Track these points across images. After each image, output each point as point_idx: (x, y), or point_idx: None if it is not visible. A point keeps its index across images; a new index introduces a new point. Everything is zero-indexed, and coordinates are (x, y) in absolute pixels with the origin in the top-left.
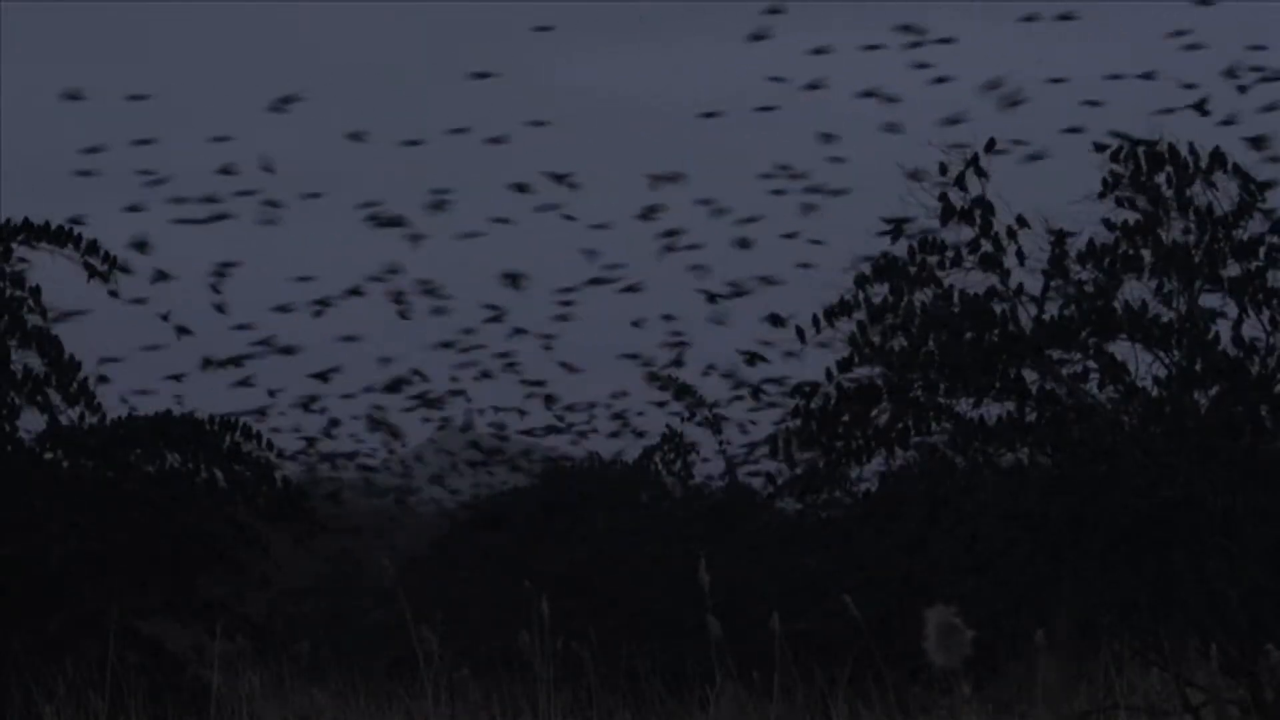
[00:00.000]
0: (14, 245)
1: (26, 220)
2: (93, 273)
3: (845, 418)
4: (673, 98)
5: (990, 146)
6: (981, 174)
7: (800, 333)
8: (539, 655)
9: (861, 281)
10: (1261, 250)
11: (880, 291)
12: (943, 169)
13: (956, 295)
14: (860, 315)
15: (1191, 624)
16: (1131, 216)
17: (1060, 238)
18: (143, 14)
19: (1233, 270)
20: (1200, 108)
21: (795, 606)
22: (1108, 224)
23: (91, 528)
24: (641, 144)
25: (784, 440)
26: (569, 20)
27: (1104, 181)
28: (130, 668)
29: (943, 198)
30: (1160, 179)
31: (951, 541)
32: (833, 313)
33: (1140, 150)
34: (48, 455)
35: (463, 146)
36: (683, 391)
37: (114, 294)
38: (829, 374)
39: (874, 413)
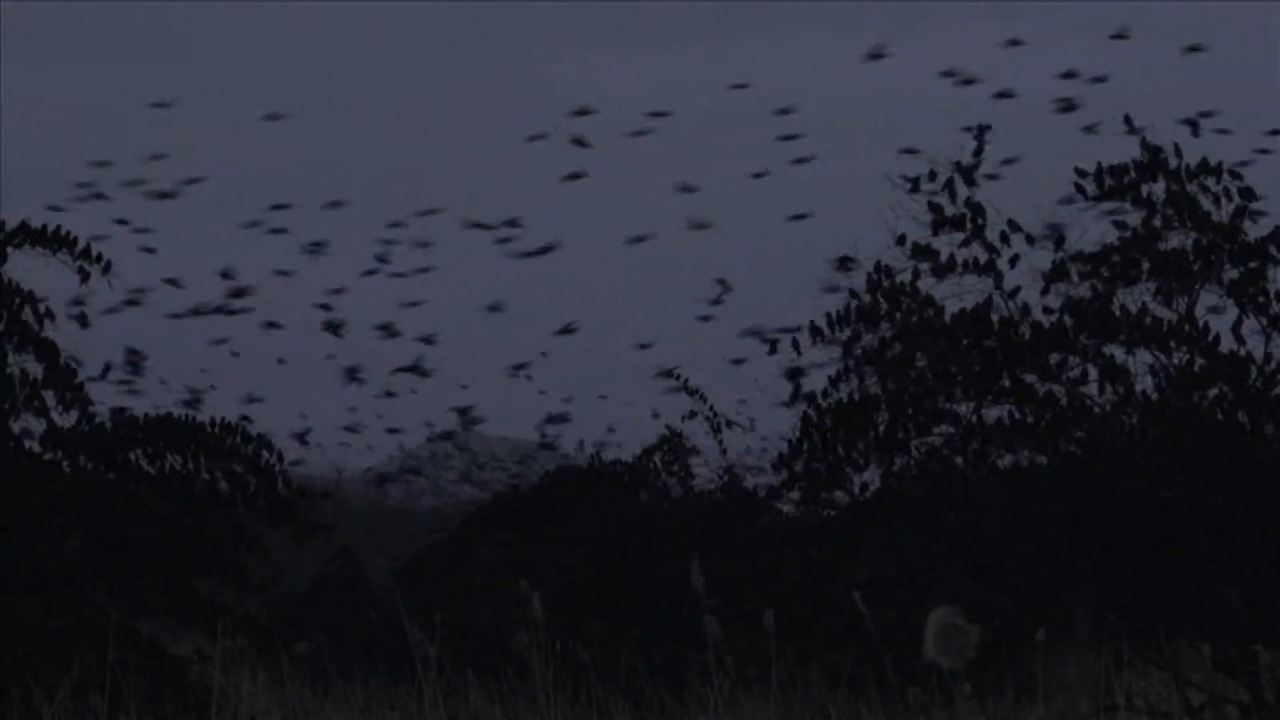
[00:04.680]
0: (10, 249)
1: (24, 224)
2: (85, 277)
3: (848, 423)
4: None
5: (979, 151)
6: (972, 181)
7: (796, 344)
8: (536, 655)
9: (855, 294)
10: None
11: (875, 304)
12: (932, 175)
13: (949, 304)
14: (855, 326)
15: (1192, 625)
16: (1130, 220)
17: (1060, 239)
18: (140, 15)
19: (1232, 274)
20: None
21: (795, 606)
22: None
23: (91, 528)
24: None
25: (787, 457)
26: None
27: (1093, 189)
28: (130, 669)
29: (933, 207)
30: (1156, 188)
31: (951, 543)
32: (831, 323)
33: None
34: (47, 456)
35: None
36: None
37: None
38: (825, 392)
39: (874, 419)
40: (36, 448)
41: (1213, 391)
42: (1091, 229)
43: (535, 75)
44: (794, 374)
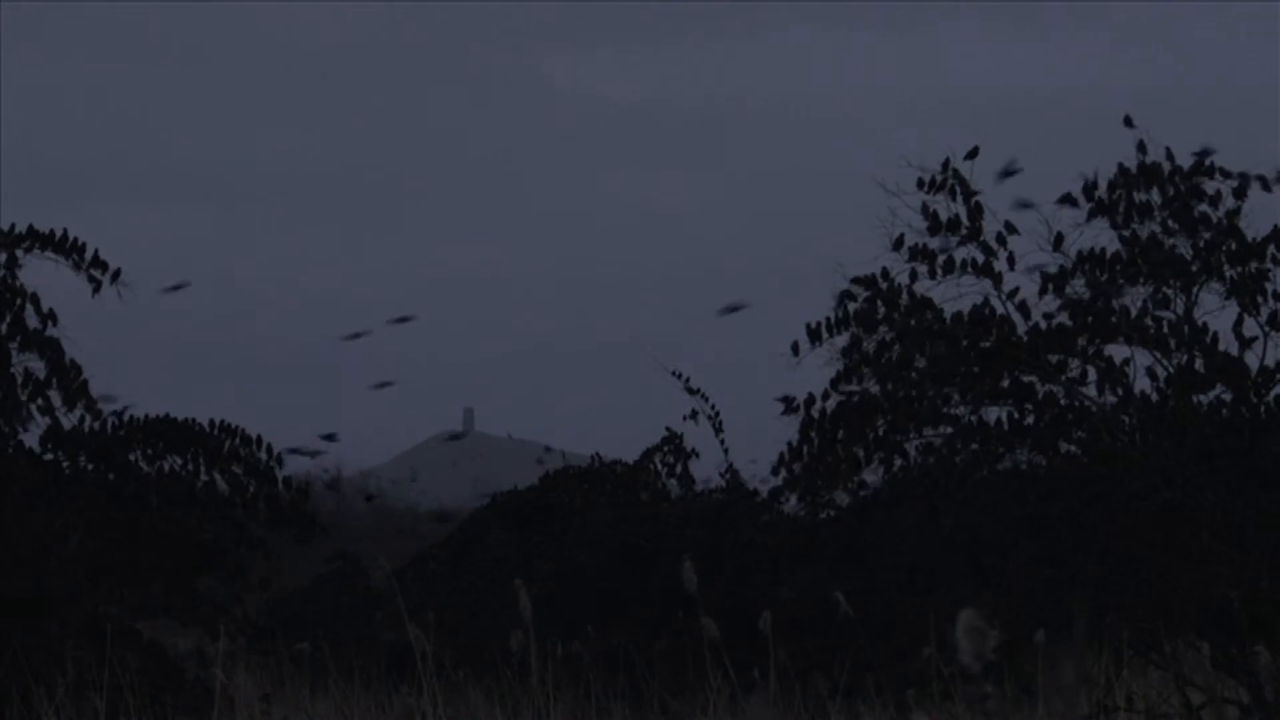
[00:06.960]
0: (18, 252)
1: (31, 227)
2: (96, 287)
3: (848, 423)
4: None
5: (973, 154)
6: (966, 186)
7: (795, 347)
8: (532, 655)
9: (851, 296)
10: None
11: (872, 308)
12: (920, 183)
13: (947, 306)
14: (853, 328)
15: (1192, 625)
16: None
17: (1059, 241)
18: (140, 15)
19: (1231, 273)
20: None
21: (795, 606)
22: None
23: (91, 528)
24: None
25: (787, 460)
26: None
27: (1093, 208)
28: (130, 669)
29: (926, 209)
30: (1152, 194)
31: (951, 544)
32: (828, 327)
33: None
34: (48, 456)
35: None
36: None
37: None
38: (826, 394)
39: (876, 422)
40: (36, 446)
41: (1212, 393)
42: (1088, 230)
43: (535, 73)
44: (788, 401)
